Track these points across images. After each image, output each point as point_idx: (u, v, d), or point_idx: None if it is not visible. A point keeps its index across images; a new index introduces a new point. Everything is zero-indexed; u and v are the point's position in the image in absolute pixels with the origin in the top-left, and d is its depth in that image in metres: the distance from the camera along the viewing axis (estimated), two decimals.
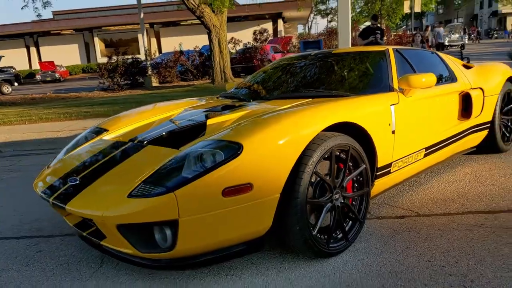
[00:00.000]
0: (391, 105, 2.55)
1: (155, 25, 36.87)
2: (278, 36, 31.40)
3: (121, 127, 2.85)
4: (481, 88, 3.54)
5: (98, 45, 38.96)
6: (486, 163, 3.66)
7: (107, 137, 2.76)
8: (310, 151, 2.02)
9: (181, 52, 16.30)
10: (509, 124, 4.04)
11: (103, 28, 38.04)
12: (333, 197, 2.18)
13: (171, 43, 32.06)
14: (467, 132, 3.43)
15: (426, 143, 2.91)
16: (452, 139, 3.24)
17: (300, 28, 53.42)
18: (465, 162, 3.74)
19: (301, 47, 9.47)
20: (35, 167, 5.13)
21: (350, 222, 2.32)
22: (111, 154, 2.37)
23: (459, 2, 51.77)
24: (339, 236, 2.24)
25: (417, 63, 3.21)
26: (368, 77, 2.97)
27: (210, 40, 12.61)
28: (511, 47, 17.45)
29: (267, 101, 2.87)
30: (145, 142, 2.39)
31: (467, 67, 3.88)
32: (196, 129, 2.42)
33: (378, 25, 9.50)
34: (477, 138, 3.64)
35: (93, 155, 2.46)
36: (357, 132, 2.32)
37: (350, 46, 11.30)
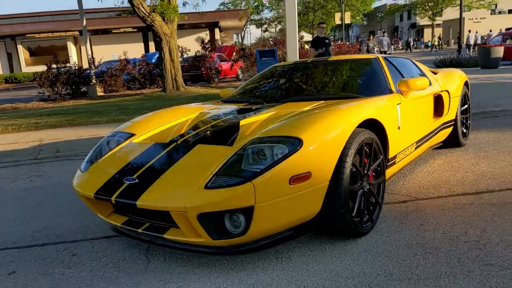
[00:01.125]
0: (397, 104, 2.96)
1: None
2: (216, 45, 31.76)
3: (148, 130, 2.96)
4: (447, 91, 4.12)
5: (22, 53, 36.50)
6: (453, 156, 4.23)
7: (138, 140, 2.86)
8: (349, 144, 2.34)
9: (127, 60, 15.95)
10: (465, 122, 4.70)
11: (27, 35, 35.73)
12: (363, 184, 2.51)
13: (102, 51, 31.08)
14: (439, 129, 3.97)
15: (416, 138, 3.36)
16: (431, 135, 3.75)
17: (234, 37, 54.25)
18: (435, 156, 4.29)
19: (257, 55, 9.84)
20: (4, 180, 4.93)
21: (371, 206, 2.66)
22: (160, 154, 2.50)
23: (382, 14, 55.91)
24: (366, 218, 2.57)
25: (402, 68, 3.69)
26: (369, 81, 3.37)
27: (161, 48, 12.56)
28: (435, 55, 19.30)
29: (281, 104, 3.15)
30: (191, 142, 2.56)
31: (433, 72, 4.46)
32: (232, 129, 2.64)
33: (325, 34, 10.18)
34: (445, 134, 4.21)
35: (138, 156, 2.57)
36: (373, 129, 2.69)
37: (298, 56, 11.96)
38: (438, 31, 45.41)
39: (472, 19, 42.22)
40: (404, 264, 2.19)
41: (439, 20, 45.92)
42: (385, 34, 22.42)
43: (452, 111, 4.18)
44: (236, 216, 2.10)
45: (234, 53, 20.32)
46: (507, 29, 26.44)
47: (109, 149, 2.88)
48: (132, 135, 2.94)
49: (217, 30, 36.69)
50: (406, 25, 56.11)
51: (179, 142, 2.62)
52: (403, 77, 3.50)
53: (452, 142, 4.42)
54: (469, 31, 29.96)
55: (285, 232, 2.26)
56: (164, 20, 12.30)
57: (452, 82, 4.31)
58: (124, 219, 2.49)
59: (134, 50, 27.59)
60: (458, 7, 43.63)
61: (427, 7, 44.73)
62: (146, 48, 34.21)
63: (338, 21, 33.77)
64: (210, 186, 2.07)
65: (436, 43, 38.91)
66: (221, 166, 2.17)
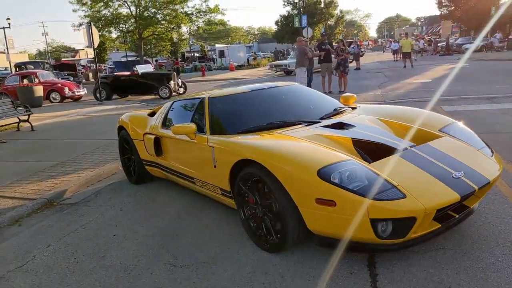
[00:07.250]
0: None
1: None
2: None
3: (342, 159, 2.89)
4: None
5: None
6: None
7: (375, 164, 2.96)
8: None
9: None
10: None
11: None
12: None
13: None
14: None
15: None
16: None
17: None
18: None
19: None
20: None
21: None
22: (424, 156, 3.01)
23: None
24: None
25: None
26: None
27: None
28: None
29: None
30: (411, 145, 3.22)
31: None
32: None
33: None
34: None
35: (419, 166, 2.87)
36: None
37: None
38: None
39: None
40: None
41: None
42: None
43: None
44: None
45: None
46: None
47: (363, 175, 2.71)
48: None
49: None
50: None
51: (407, 149, 3.12)
52: None
53: None
54: None
55: None
56: None
57: None
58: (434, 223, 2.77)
59: None
60: None
61: None
62: None
63: None
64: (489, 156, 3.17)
65: None
66: (467, 144, 3.27)
